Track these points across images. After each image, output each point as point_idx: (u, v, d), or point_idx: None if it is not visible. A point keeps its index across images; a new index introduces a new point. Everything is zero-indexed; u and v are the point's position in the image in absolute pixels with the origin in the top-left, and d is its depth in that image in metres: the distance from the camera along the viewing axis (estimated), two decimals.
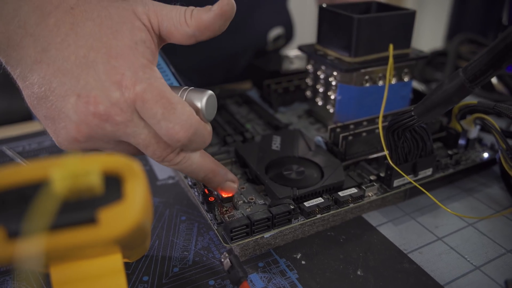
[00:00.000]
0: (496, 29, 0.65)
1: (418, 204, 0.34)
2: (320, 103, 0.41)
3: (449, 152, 0.36)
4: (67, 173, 0.15)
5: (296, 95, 0.45)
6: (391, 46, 0.36)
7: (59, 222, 0.15)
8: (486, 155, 0.37)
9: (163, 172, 0.38)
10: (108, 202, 0.16)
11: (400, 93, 0.39)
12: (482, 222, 0.32)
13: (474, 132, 0.37)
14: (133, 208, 0.16)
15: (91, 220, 0.16)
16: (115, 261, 0.21)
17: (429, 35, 1.74)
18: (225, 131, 0.39)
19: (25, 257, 0.16)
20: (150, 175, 0.38)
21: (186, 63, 0.54)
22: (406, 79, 0.39)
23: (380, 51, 0.37)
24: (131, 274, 0.27)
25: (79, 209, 0.16)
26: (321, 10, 0.38)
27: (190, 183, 0.33)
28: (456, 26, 0.72)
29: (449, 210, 0.31)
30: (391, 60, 0.35)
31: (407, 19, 0.37)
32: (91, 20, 0.24)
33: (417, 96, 0.42)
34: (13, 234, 0.15)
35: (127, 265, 0.28)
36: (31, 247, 0.15)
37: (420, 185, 0.32)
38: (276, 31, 0.58)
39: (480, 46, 0.58)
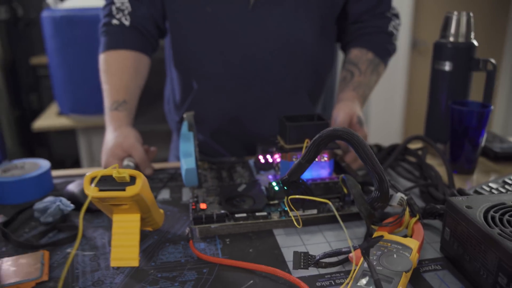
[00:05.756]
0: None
1: (307, 227, 0.60)
2: (276, 168, 0.70)
3: (335, 202, 0.62)
4: (118, 173, 0.47)
5: (269, 165, 0.74)
6: (306, 141, 0.64)
7: (113, 188, 0.48)
8: None
9: (188, 196, 0.70)
10: (130, 185, 0.48)
11: (321, 168, 0.67)
12: (336, 243, 0.57)
13: None
14: (137, 187, 0.48)
15: (123, 190, 0.48)
16: (136, 216, 0.53)
17: None
18: (222, 181, 0.70)
19: (100, 200, 0.49)
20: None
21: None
22: (325, 159, 0.66)
23: (304, 142, 0.65)
24: (149, 238, 0.58)
25: (120, 185, 0.48)
26: (279, 119, 0.69)
27: (190, 200, 0.64)
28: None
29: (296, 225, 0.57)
30: (304, 147, 0.64)
31: (323, 126, 0.65)
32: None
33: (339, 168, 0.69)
34: (101, 190, 0.48)
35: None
36: (101, 195, 0.48)
37: (308, 217, 0.58)
38: None
39: (425, 142, 0.82)
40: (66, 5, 1.89)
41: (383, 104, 2.73)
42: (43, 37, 1.97)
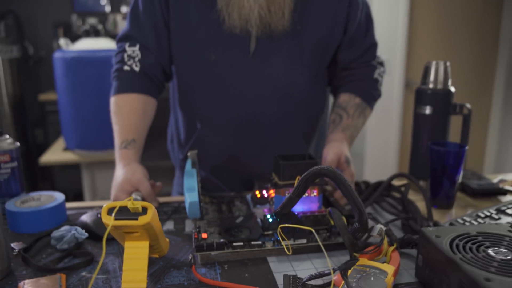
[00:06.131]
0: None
1: (297, 255, 0.67)
2: (270, 203, 0.77)
3: (323, 233, 0.69)
4: (132, 204, 0.55)
5: (264, 199, 0.81)
6: (297, 178, 0.72)
7: (128, 217, 0.55)
8: None
9: (190, 227, 0.77)
10: (142, 214, 0.55)
11: (311, 202, 0.74)
12: (323, 269, 0.64)
13: None
14: (148, 217, 0.55)
15: (136, 219, 0.55)
16: (146, 243, 0.60)
17: None
18: (222, 214, 0.77)
19: (115, 228, 0.56)
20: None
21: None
22: (315, 194, 0.74)
23: (295, 179, 0.73)
24: (156, 263, 0.65)
25: (134, 215, 0.55)
26: (274, 157, 0.77)
27: (193, 230, 0.71)
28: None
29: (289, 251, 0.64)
30: (295, 184, 0.71)
31: (313, 165, 0.73)
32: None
33: (327, 202, 0.76)
34: (116, 219, 0.55)
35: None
36: (117, 223, 0.55)
37: (299, 247, 0.65)
38: None
39: (408, 179, 0.89)
40: (77, 47, 2.01)
41: (379, 141, 2.82)
42: (52, 75, 2.09)
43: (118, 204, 0.54)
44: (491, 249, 0.54)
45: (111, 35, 2.86)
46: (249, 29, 0.88)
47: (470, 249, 0.54)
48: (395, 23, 2.69)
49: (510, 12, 2.86)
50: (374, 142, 2.81)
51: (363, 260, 0.58)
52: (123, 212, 0.55)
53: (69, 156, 2.06)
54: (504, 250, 0.54)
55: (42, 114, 3.00)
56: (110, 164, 2.17)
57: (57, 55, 1.98)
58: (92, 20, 3.31)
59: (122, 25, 3.34)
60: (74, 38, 2.67)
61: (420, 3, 2.76)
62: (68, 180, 2.87)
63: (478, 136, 3.05)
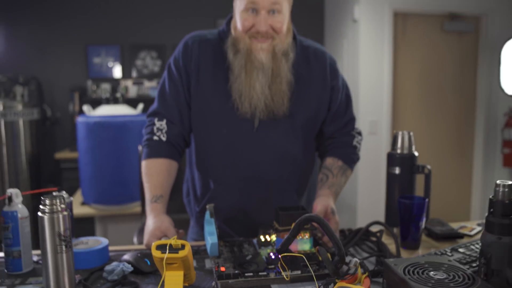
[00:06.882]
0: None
1: (293, 283, 0.87)
2: (272, 245, 0.99)
3: (313, 266, 0.90)
4: (175, 241, 0.76)
5: (267, 242, 1.02)
6: (293, 224, 0.94)
7: (171, 251, 0.76)
8: None
9: (210, 264, 0.98)
10: (181, 249, 0.77)
11: (303, 243, 0.95)
12: None
13: None
14: (186, 251, 0.76)
15: (177, 252, 0.76)
16: (181, 272, 0.81)
17: None
18: (234, 254, 0.98)
19: (163, 260, 0.77)
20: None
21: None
22: (306, 237, 0.95)
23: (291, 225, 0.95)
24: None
25: (175, 249, 0.77)
26: (275, 209, 0.99)
27: (213, 265, 0.91)
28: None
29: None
30: (292, 228, 0.93)
31: (303, 213, 0.95)
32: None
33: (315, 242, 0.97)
34: (161, 252, 0.76)
35: None
36: (166, 256, 0.76)
37: (294, 276, 0.86)
38: None
39: (382, 226, 1.11)
40: (98, 112, 2.28)
41: (369, 195, 3.04)
42: (67, 135, 2.33)
43: (168, 242, 0.76)
44: (432, 272, 0.75)
45: (124, 99, 3.15)
46: (256, 114, 1.13)
47: (418, 272, 0.75)
48: (380, 90, 3.00)
49: (484, 76, 3.19)
50: (365, 196, 3.03)
51: (342, 284, 0.79)
52: (168, 248, 0.77)
53: (86, 210, 2.26)
54: (441, 273, 0.75)
55: (57, 171, 3.23)
56: (121, 218, 2.37)
57: (80, 119, 2.23)
58: (105, 85, 3.63)
59: (133, 90, 3.65)
60: (88, 101, 2.96)
61: (402, 71, 3.10)
62: (80, 232, 3.03)
63: (463, 189, 3.29)
